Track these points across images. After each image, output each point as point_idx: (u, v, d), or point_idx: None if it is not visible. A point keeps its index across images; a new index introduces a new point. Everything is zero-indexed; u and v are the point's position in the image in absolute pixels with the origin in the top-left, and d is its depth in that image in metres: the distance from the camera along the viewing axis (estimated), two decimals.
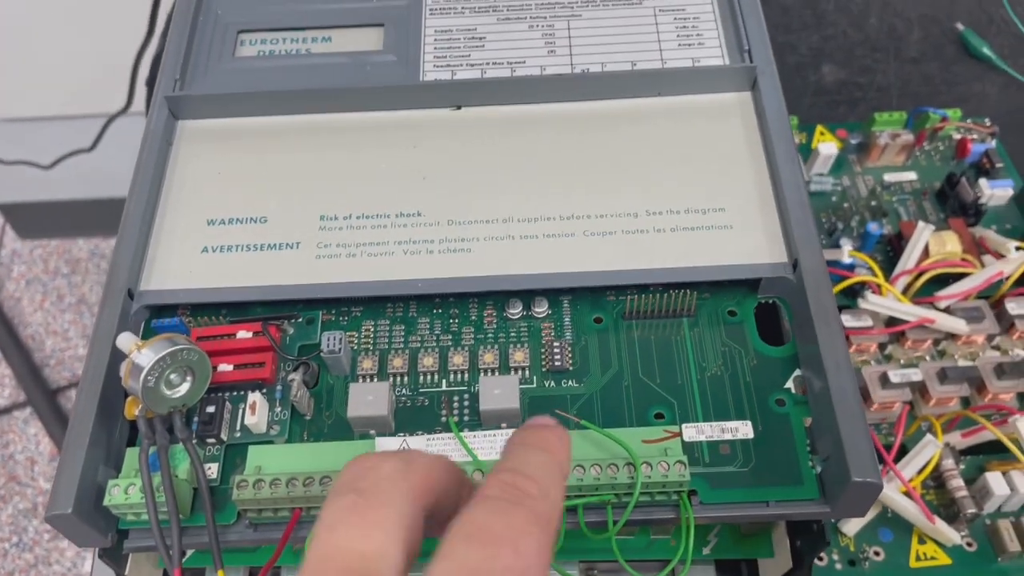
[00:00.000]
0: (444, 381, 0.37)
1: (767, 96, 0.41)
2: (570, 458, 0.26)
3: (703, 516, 0.33)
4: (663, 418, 0.35)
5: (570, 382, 0.36)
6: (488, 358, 0.37)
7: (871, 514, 0.45)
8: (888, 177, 0.59)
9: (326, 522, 0.21)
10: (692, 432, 0.35)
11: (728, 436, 0.35)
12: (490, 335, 0.38)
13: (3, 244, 1.51)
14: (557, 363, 0.37)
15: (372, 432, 0.35)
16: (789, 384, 0.36)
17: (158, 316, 0.38)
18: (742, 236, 0.38)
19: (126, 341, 0.33)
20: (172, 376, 0.33)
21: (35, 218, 1.46)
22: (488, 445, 0.34)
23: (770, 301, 0.38)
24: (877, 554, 0.45)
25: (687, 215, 0.38)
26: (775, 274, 0.37)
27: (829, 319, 0.35)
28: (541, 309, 0.38)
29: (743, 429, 0.35)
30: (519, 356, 0.37)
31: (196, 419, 0.35)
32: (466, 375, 0.37)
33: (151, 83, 0.70)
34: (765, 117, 0.40)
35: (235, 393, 0.36)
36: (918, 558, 0.45)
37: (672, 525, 0.40)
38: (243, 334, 0.36)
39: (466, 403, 0.36)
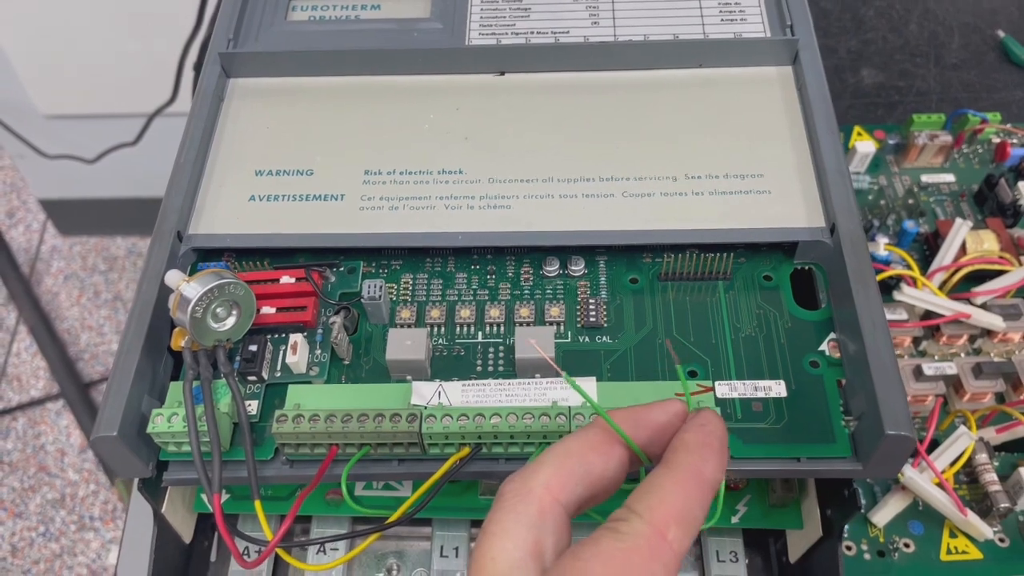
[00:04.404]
0: (480, 333, 0.37)
1: (809, 69, 0.41)
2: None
3: (734, 470, 0.34)
4: (696, 375, 0.36)
5: (604, 338, 0.37)
6: (524, 312, 0.37)
7: (902, 505, 0.45)
8: (925, 178, 0.59)
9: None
10: (725, 389, 0.35)
11: (761, 394, 0.35)
12: (526, 291, 0.38)
13: (44, 240, 1.54)
14: (592, 319, 0.37)
15: (408, 377, 0.36)
16: (823, 347, 0.36)
17: (204, 260, 0.39)
18: (780, 201, 0.38)
19: (174, 278, 0.34)
20: (218, 309, 0.34)
21: (76, 215, 1.49)
22: (523, 393, 0.34)
23: (806, 267, 0.38)
24: (907, 546, 0.44)
25: (725, 180, 0.39)
26: (812, 238, 0.37)
27: (867, 281, 0.35)
28: (577, 268, 0.39)
29: (776, 388, 0.35)
30: (555, 311, 0.37)
31: (238, 357, 0.35)
32: (502, 328, 0.37)
33: (199, 68, 0.72)
34: (806, 90, 0.41)
35: (277, 335, 0.37)
36: (949, 552, 0.44)
37: None
38: (286, 279, 0.37)
39: (501, 355, 0.37)
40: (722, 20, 0.43)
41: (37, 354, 1.40)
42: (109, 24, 1.11)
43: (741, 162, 0.39)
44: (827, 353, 0.36)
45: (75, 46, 1.15)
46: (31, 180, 1.42)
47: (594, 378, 0.35)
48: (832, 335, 0.36)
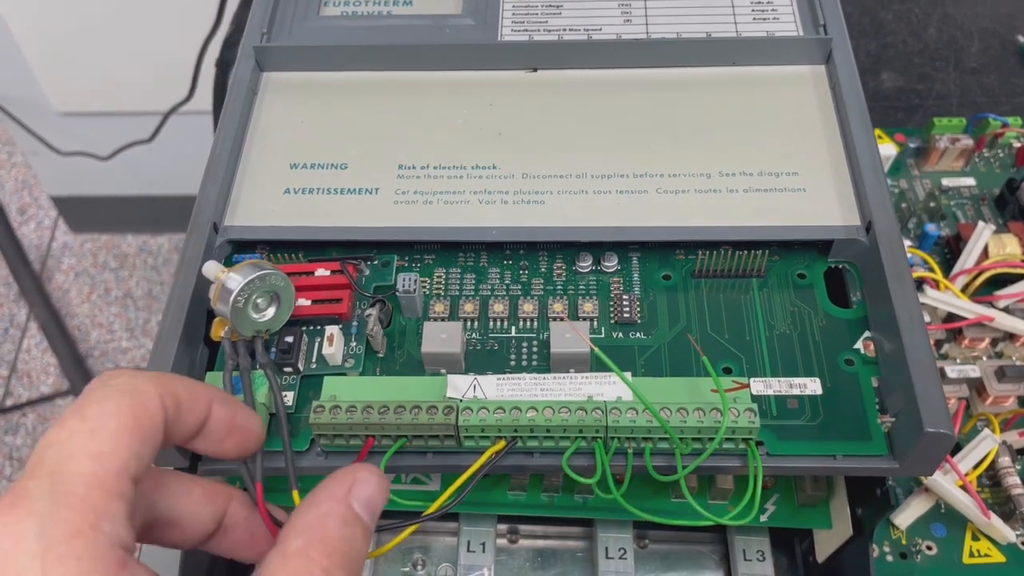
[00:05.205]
0: (514, 327, 0.37)
1: (842, 68, 0.41)
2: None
3: (770, 466, 0.34)
4: (731, 372, 0.36)
5: (638, 334, 0.37)
6: (558, 307, 0.37)
7: (924, 508, 0.45)
8: (946, 182, 0.59)
9: None
10: (760, 386, 0.35)
11: (796, 391, 0.35)
12: (559, 287, 0.38)
13: (55, 237, 1.54)
14: (626, 315, 0.37)
15: (443, 370, 0.36)
16: (858, 345, 0.36)
17: (239, 252, 0.39)
18: (815, 199, 0.38)
19: (212, 268, 0.34)
20: (259, 300, 0.34)
21: (87, 213, 1.49)
22: (558, 387, 0.34)
23: (840, 266, 0.38)
24: (930, 548, 0.44)
25: (760, 177, 0.39)
26: (848, 236, 0.37)
27: (903, 278, 0.35)
28: (611, 264, 0.39)
29: (811, 385, 0.35)
30: (588, 307, 0.37)
31: (274, 348, 0.35)
32: (535, 322, 0.37)
33: (221, 64, 0.72)
34: (840, 89, 0.41)
35: (312, 327, 0.37)
36: (971, 555, 0.44)
37: (731, 491, 0.40)
38: (321, 272, 0.37)
39: (535, 349, 0.37)
40: (755, 19, 0.44)
41: (47, 351, 1.40)
42: (125, 21, 1.11)
43: (775, 160, 0.39)
44: (862, 351, 0.36)
45: (91, 43, 1.15)
46: (43, 177, 1.42)
47: (629, 373, 0.35)
48: (867, 333, 0.36)
